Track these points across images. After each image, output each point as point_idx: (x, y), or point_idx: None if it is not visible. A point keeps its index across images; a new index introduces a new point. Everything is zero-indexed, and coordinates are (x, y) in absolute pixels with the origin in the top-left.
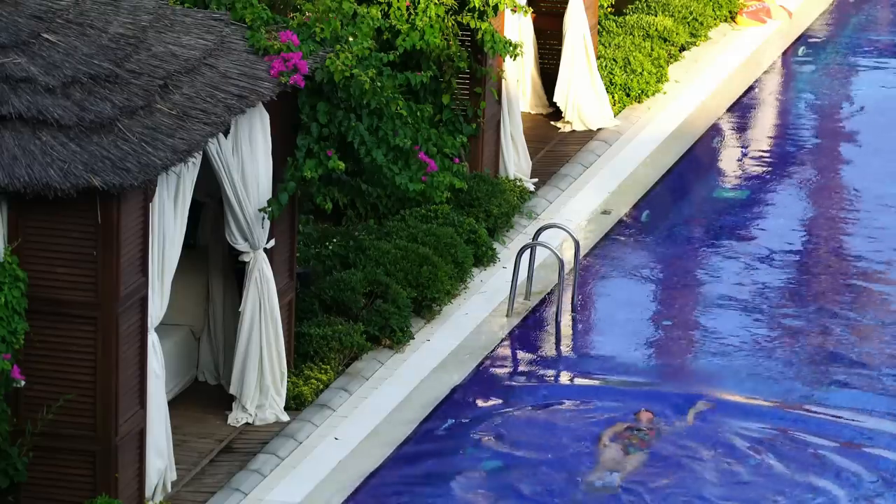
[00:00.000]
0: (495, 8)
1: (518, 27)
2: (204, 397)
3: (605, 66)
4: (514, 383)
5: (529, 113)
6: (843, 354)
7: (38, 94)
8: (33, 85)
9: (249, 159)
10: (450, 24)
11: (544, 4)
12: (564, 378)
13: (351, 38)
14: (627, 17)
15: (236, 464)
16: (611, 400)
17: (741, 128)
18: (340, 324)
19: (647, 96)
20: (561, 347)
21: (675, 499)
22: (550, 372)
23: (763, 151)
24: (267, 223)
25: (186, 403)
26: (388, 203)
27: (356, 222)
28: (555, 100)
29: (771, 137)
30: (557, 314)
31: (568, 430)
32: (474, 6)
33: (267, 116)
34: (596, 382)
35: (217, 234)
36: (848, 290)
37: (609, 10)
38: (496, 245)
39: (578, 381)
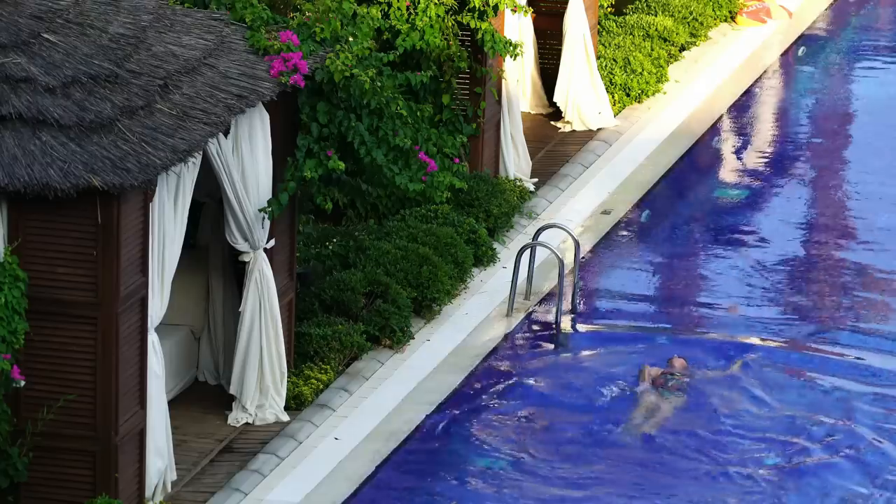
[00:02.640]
0: (495, 8)
1: (518, 27)
2: (204, 397)
3: (605, 66)
4: (514, 383)
5: (529, 113)
6: (841, 352)
7: (38, 94)
8: (33, 85)
9: (249, 159)
10: (450, 24)
11: (544, 4)
12: (564, 377)
13: (351, 38)
14: (627, 17)
15: (236, 464)
16: (609, 399)
17: (741, 128)
18: (340, 324)
19: (647, 96)
20: (560, 347)
21: (707, 440)
22: (550, 371)
23: (763, 151)
24: (267, 223)
25: (186, 403)
26: (388, 203)
27: (356, 222)
28: (555, 100)
29: (771, 137)
30: (557, 314)
31: (568, 430)
32: (474, 6)
33: (267, 116)
34: (595, 378)
35: (217, 234)
36: (848, 289)
37: (609, 10)
38: (496, 245)
39: (577, 380)
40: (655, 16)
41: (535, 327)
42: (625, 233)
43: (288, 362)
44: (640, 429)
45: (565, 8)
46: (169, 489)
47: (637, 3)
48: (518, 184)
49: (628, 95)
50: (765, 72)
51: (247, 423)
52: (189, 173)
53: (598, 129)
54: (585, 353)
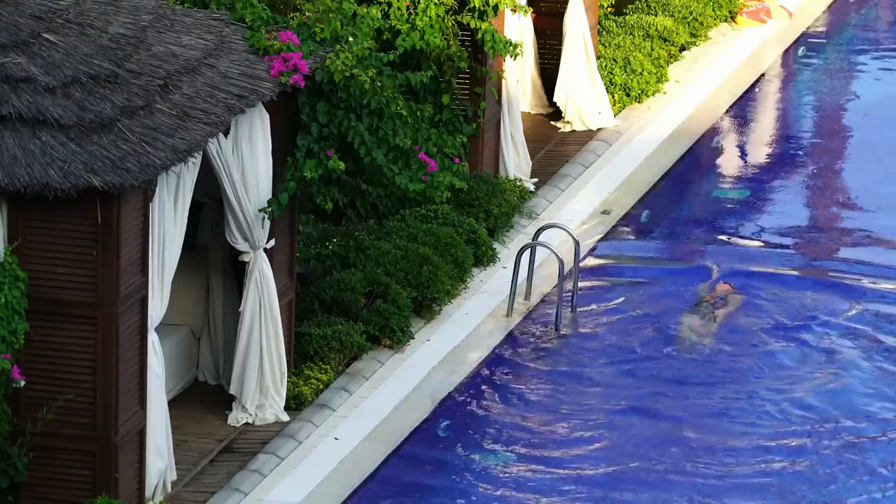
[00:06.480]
0: (495, 8)
1: (518, 27)
2: (204, 397)
3: (605, 66)
4: (513, 383)
5: (529, 113)
6: (841, 351)
7: (38, 94)
8: (33, 85)
9: (249, 159)
10: (450, 24)
11: (544, 4)
12: (563, 377)
13: (351, 38)
14: (627, 17)
15: (236, 464)
16: (608, 400)
17: (741, 128)
18: (340, 324)
19: (647, 96)
20: (560, 347)
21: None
22: (550, 371)
23: (763, 151)
24: (267, 223)
25: (186, 403)
26: (388, 203)
27: (356, 222)
28: (555, 100)
29: (771, 137)
30: (557, 314)
31: (568, 429)
32: (474, 6)
33: (267, 116)
34: (593, 380)
35: (217, 234)
36: (847, 289)
37: (609, 10)
38: (496, 245)
39: (576, 379)
40: (655, 16)
41: (535, 327)
42: (624, 233)
43: (288, 362)
44: (698, 342)
45: (565, 8)
46: (169, 489)
47: (637, 3)
48: (518, 184)
49: (628, 95)
50: (765, 72)
51: (247, 423)
52: (189, 173)
53: (598, 129)
54: (585, 353)
